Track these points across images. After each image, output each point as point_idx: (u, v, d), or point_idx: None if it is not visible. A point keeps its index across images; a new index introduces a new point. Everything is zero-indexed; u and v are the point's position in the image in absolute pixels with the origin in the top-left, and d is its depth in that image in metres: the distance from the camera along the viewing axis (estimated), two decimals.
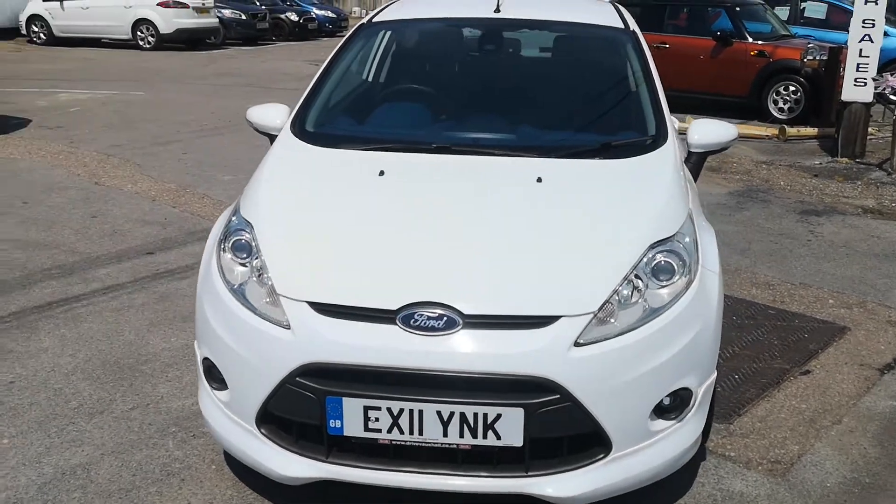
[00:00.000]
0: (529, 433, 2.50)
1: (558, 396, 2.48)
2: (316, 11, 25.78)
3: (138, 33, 19.95)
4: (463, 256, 2.69)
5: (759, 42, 10.66)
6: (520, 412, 2.48)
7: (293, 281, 2.66)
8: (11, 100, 11.86)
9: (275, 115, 3.66)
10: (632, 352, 2.57)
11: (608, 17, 4.05)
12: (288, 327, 2.58)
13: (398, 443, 2.54)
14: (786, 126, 9.68)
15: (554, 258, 2.69)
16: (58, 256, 5.43)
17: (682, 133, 3.60)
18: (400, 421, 2.51)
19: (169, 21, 19.74)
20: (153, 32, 19.81)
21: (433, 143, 3.29)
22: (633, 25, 4.02)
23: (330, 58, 3.93)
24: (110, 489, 2.98)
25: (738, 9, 10.84)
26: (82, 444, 3.27)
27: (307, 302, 2.59)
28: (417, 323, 2.50)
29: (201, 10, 20.36)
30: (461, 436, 2.51)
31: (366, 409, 2.51)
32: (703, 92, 10.89)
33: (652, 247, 2.76)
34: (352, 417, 2.52)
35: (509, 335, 2.50)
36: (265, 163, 3.31)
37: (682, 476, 3.08)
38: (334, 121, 3.68)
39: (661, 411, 2.71)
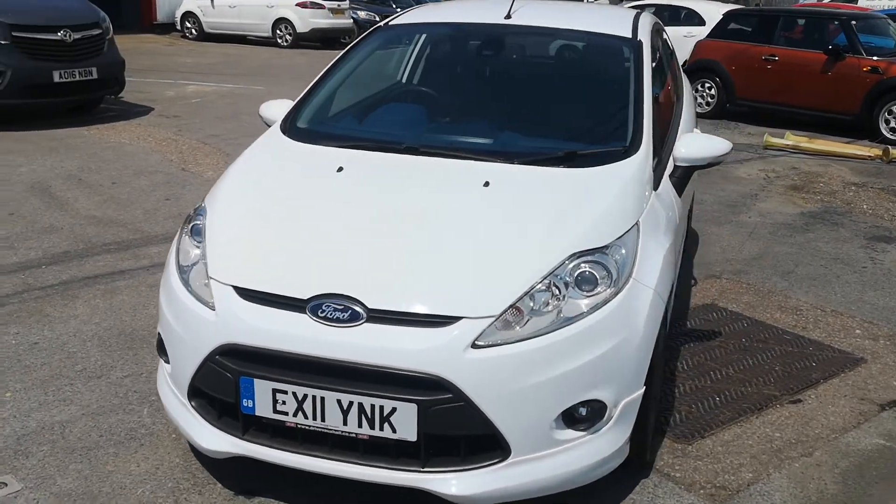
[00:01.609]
0: (423, 429, 2.57)
1: (451, 396, 2.54)
2: (361, 14, 26.09)
3: (277, 32, 20.90)
4: (380, 253, 2.78)
5: (874, 58, 10.07)
6: (413, 408, 2.55)
7: (224, 265, 2.83)
8: (146, 89, 12.70)
9: (280, 110, 3.85)
10: (534, 358, 2.59)
11: (619, 25, 4.02)
12: (213, 308, 2.76)
13: (303, 427, 2.67)
14: (890, 147, 9.11)
15: (468, 260, 2.74)
16: (121, 234, 5.85)
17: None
18: (304, 406, 2.63)
19: (305, 21, 20.58)
20: (291, 31, 20.70)
21: (403, 144, 3.38)
22: (642, 35, 3.96)
23: (339, 56, 4.09)
24: (75, 446, 3.25)
25: (854, 22, 10.28)
26: (70, 404, 3.57)
27: (232, 286, 2.76)
28: (325, 313, 2.62)
29: (336, 12, 21.13)
30: (360, 425, 2.60)
31: (274, 391, 2.65)
32: (810, 108, 10.42)
33: (577, 256, 2.76)
34: (262, 398, 2.67)
35: (409, 332, 2.58)
36: (242, 153, 3.51)
37: (616, 490, 3.06)
38: (323, 118, 3.83)
39: (571, 421, 2.71)
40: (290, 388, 2.63)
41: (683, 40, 12.62)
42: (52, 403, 3.57)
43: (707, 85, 11.40)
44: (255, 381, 2.66)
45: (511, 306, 2.61)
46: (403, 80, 4.56)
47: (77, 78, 9.63)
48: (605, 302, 2.73)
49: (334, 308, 2.62)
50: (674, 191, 3.52)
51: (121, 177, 7.45)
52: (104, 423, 3.42)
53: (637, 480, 3.13)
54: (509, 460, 2.64)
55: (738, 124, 11.15)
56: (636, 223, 2.99)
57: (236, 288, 2.75)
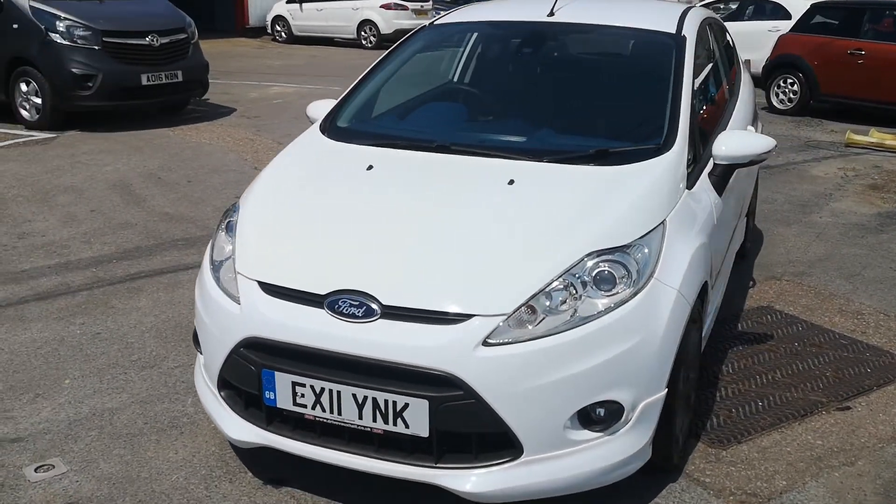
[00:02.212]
0: (435, 425, 2.60)
1: (462, 393, 2.56)
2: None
3: (362, 33, 21.24)
4: (397, 250, 2.82)
5: None
6: (425, 404, 2.59)
7: (250, 261, 2.93)
8: (231, 91, 13.11)
9: (325, 110, 3.95)
10: (547, 357, 2.59)
11: (665, 21, 3.95)
12: (239, 303, 2.86)
13: (321, 420, 2.73)
14: None
15: (483, 258, 2.75)
16: (190, 230, 6.08)
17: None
18: (321, 399, 2.70)
19: (389, 22, 20.85)
20: (375, 32, 21.01)
21: (435, 142, 3.42)
22: (688, 30, 3.89)
23: (383, 56, 4.17)
24: (121, 432, 3.41)
25: None
26: (122, 392, 3.74)
27: (257, 281, 2.85)
28: (341, 309, 2.68)
29: (419, 13, 21.32)
30: (374, 420, 2.66)
31: (293, 384, 2.73)
32: None
33: (596, 255, 2.74)
34: (283, 391, 2.75)
35: (423, 329, 2.61)
36: (281, 152, 3.61)
37: (641, 494, 3.03)
38: (363, 117, 3.90)
39: (587, 422, 2.70)
40: (308, 381, 2.70)
41: (768, 35, 12.25)
42: (105, 391, 3.75)
43: (789, 80, 11.03)
44: (276, 373, 2.74)
45: (524, 305, 2.62)
46: (455, 80, 4.59)
47: (163, 80, 10.03)
48: (624, 302, 2.70)
49: (350, 304, 2.67)
50: (713, 190, 3.45)
51: (196, 175, 7.73)
52: (150, 411, 3.57)
53: (664, 484, 3.09)
54: (522, 459, 2.64)
55: (822, 121, 10.75)
56: (663, 222, 2.95)
57: (260, 283, 2.84)
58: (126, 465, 3.19)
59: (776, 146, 3.53)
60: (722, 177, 3.48)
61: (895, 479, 3.16)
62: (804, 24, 11.26)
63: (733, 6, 14.75)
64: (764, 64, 11.42)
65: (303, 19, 21.97)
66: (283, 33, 22.41)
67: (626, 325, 2.69)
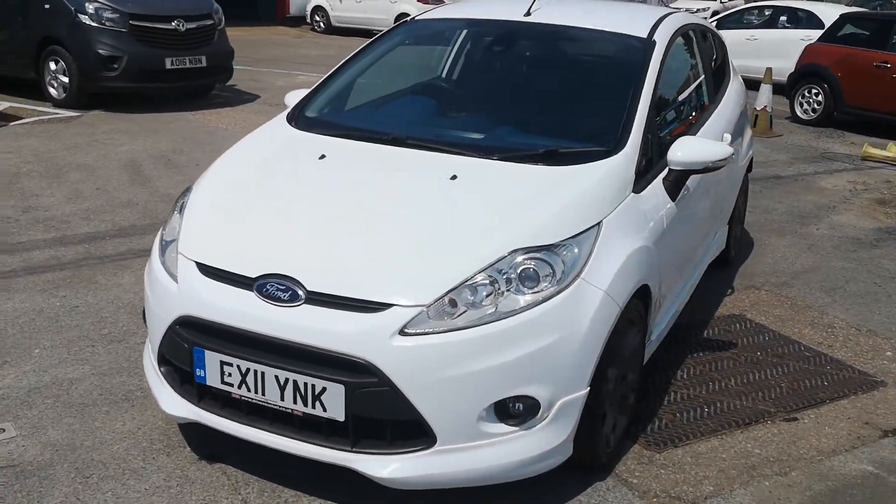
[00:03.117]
0: (351, 410, 2.67)
1: (376, 380, 2.62)
2: None
3: None
4: (327, 238, 2.89)
5: None
6: (341, 389, 2.65)
7: (192, 242, 3.02)
8: (260, 78, 13.28)
9: (297, 98, 4.03)
10: (462, 349, 2.64)
11: (638, 25, 3.96)
12: (177, 281, 2.95)
13: (246, 399, 2.82)
14: None
15: (409, 250, 2.81)
16: None
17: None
18: (247, 379, 2.78)
19: None
20: None
21: (390, 135, 3.47)
22: (660, 36, 3.89)
23: (360, 48, 4.23)
24: (75, 402, 3.53)
25: None
26: (85, 364, 3.86)
27: (195, 261, 2.94)
28: (268, 292, 2.76)
29: None
30: (294, 402, 2.73)
31: (221, 363, 2.81)
32: None
33: (522, 252, 2.78)
34: (212, 369, 2.84)
35: (343, 315, 2.68)
36: (244, 137, 3.70)
37: (565, 491, 3.06)
38: (332, 108, 3.97)
39: (504, 416, 2.74)
40: (235, 361, 2.78)
41: (799, 44, 12.07)
42: (69, 362, 3.88)
43: (813, 91, 10.87)
44: (206, 352, 2.83)
45: (443, 296, 2.67)
46: (443, 75, 4.64)
47: (187, 65, 10.20)
48: (546, 300, 2.74)
49: (277, 288, 2.75)
50: (666, 195, 3.46)
51: (207, 159, 7.79)
52: (107, 384, 3.69)
53: (590, 483, 3.12)
54: (435, 448, 2.70)
55: (844, 133, 10.58)
56: (598, 224, 2.98)
57: (198, 264, 2.93)
58: (72, 434, 3.30)
59: (732, 155, 3.53)
60: (675, 182, 3.49)
61: (826, 491, 3.15)
62: (832, 34, 11.08)
63: (767, 13, 14.55)
64: (790, 73, 11.27)
65: (341, 10, 22.13)
66: (321, 23, 22.59)
67: (546, 322, 2.73)
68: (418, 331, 2.64)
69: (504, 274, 2.75)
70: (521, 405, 2.74)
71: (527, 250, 2.80)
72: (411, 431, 2.70)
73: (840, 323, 4.65)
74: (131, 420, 3.41)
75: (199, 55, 10.29)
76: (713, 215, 4.52)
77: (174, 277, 2.97)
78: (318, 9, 22.70)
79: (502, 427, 2.75)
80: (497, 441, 2.75)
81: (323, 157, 3.36)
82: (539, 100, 3.85)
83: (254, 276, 2.80)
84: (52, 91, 10.04)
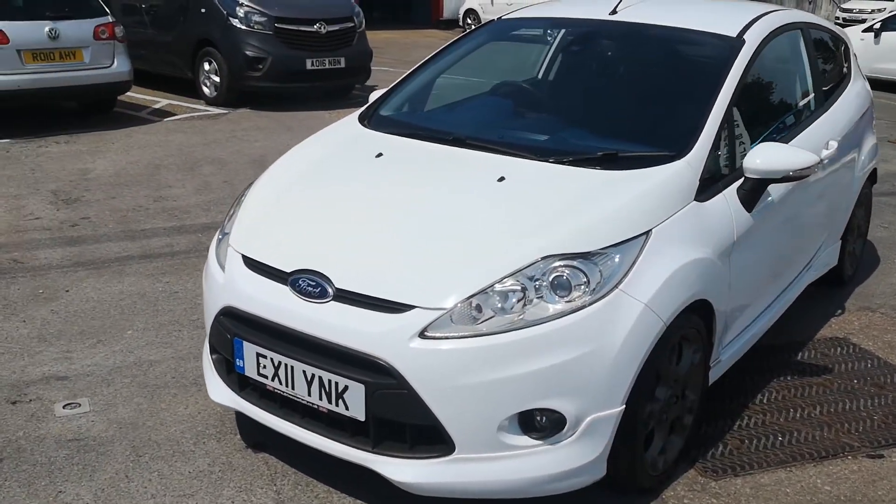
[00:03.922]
0: (371, 411, 2.66)
1: (395, 381, 2.61)
2: None
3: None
4: (363, 236, 2.90)
5: None
6: (361, 388, 2.65)
7: (241, 234, 3.12)
8: (382, 78, 13.56)
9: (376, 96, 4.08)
10: (484, 355, 2.58)
11: (728, 23, 3.73)
12: (224, 272, 3.05)
13: (279, 392, 2.87)
14: None
15: (440, 252, 2.77)
16: None
17: None
18: (279, 372, 2.84)
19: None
20: None
21: (452, 135, 3.44)
22: (752, 35, 3.64)
23: (444, 46, 4.24)
24: (149, 383, 3.72)
25: None
26: (168, 347, 4.07)
27: (241, 254, 3.02)
28: (300, 287, 2.80)
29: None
30: (320, 398, 2.76)
31: (258, 355, 2.88)
32: None
33: (557, 258, 2.68)
34: (249, 360, 2.91)
35: (367, 315, 2.68)
36: (314, 134, 3.77)
37: None
38: (406, 107, 3.97)
39: (528, 428, 2.66)
40: (269, 353, 2.84)
41: None
42: (155, 344, 4.10)
43: None
44: (245, 343, 2.91)
45: (466, 300, 2.61)
46: (538, 76, 4.57)
47: (327, 66, 10.58)
48: (577, 310, 2.63)
49: (308, 283, 2.78)
50: (739, 205, 3.24)
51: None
52: (182, 368, 3.86)
53: None
54: (454, 455, 2.65)
55: None
56: (647, 232, 2.83)
57: (244, 257, 3.01)
58: (139, 413, 3.48)
59: (818, 163, 3.26)
60: (752, 192, 3.26)
61: None
62: None
63: None
64: None
65: (492, 13, 22.22)
66: (472, 26, 22.79)
67: (576, 333, 2.62)
68: (439, 334, 2.60)
69: (535, 281, 2.66)
70: (545, 418, 2.64)
71: (561, 257, 2.69)
72: (430, 437, 2.66)
73: None
74: (194, 404, 3.55)
75: (339, 56, 10.63)
76: (815, 229, 4.19)
77: (223, 268, 3.07)
78: (469, 11, 22.95)
79: (525, 440, 2.66)
80: (519, 454, 2.66)
81: (380, 155, 3.37)
82: (612, 101, 3.71)
83: (288, 270, 2.84)
84: (205, 90, 10.67)
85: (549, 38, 4.33)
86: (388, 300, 2.66)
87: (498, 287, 2.63)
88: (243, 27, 10.25)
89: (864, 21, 16.49)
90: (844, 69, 4.79)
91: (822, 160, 3.91)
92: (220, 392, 3.10)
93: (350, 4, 11.17)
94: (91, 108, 9.77)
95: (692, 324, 3.01)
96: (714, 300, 3.09)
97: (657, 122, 3.46)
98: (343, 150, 3.56)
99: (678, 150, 3.15)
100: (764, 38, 3.71)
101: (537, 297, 2.64)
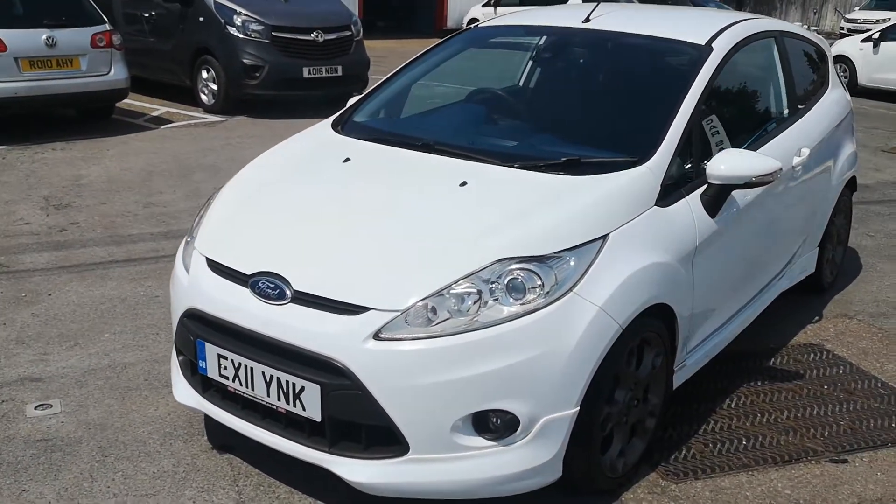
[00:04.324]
0: (326, 411, 2.69)
1: (349, 382, 2.63)
2: None
3: None
4: (322, 239, 2.93)
5: None
6: (317, 389, 2.68)
7: (206, 237, 3.16)
8: None
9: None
10: (437, 357, 2.61)
11: (698, 31, 3.75)
12: (189, 274, 3.08)
13: (240, 393, 2.90)
14: None
15: (396, 254, 2.80)
16: None
17: None
18: (240, 373, 2.87)
19: None
20: None
21: (421, 141, 3.47)
22: (721, 43, 3.67)
23: (421, 53, 4.27)
24: (122, 385, 3.76)
25: None
26: (143, 350, 4.11)
27: (205, 256, 3.06)
28: (260, 289, 2.83)
29: None
30: (278, 399, 2.79)
31: (219, 356, 2.91)
32: None
33: (514, 261, 2.70)
34: (211, 361, 2.94)
35: (323, 316, 2.71)
36: (286, 140, 3.81)
37: None
38: (377, 112, 4.01)
39: (482, 429, 2.68)
40: (230, 355, 2.87)
41: None
42: (131, 347, 4.13)
43: None
44: (207, 344, 2.94)
45: (420, 302, 2.64)
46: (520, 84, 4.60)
47: (323, 74, 10.63)
48: (531, 312, 2.65)
49: (268, 285, 2.81)
50: (702, 210, 3.26)
51: None
52: (155, 370, 3.89)
53: None
54: (408, 456, 2.67)
55: None
56: (604, 236, 2.85)
57: (207, 259, 3.05)
58: (108, 415, 3.51)
59: (779, 170, 3.27)
60: (715, 197, 3.27)
61: None
62: None
63: None
64: None
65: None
66: None
67: (529, 335, 2.64)
68: (394, 336, 2.62)
69: (490, 283, 2.69)
70: (499, 419, 2.67)
71: (516, 260, 2.72)
72: (385, 437, 2.68)
73: None
74: (164, 406, 3.58)
75: (336, 65, 10.68)
76: (789, 236, 4.20)
77: (188, 271, 3.10)
78: (473, 21, 23.00)
79: (479, 441, 2.68)
80: (473, 455, 2.68)
81: (347, 160, 3.41)
82: (581, 108, 3.74)
83: (249, 272, 2.88)
84: (203, 97, 10.74)
85: (524, 46, 4.35)
86: (344, 302, 2.69)
87: (453, 289, 2.66)
88: (240, 35, 10.32)
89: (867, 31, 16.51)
90: (822, 78, 4.81)
91: (794, 167, 3.94)
92: (184, 393, 3.13)
93: (348, 13, 11.24)
94: (89, 116, 9.85)
95: (652, 328, 3.03)
96: (675, 304, 3.11)
97: (622, 128, 3.49)
98: (312, 155, 3.60)
99: (640, 155, 3.17)
100: (733, 46, 3.74)
101: (492, 300, 2.67)
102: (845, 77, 14.41)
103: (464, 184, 3.09)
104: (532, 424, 2.68)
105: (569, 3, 19.88)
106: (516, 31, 4.38)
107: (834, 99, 4.76)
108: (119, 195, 6.90)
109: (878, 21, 19.82)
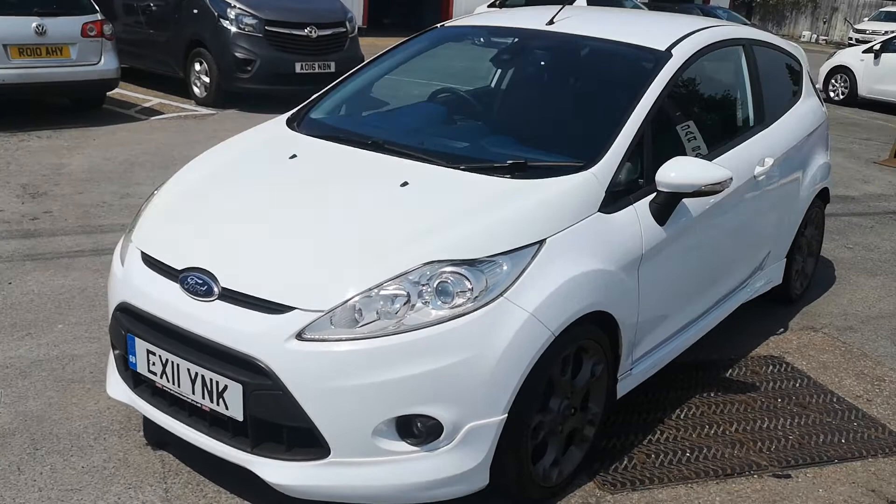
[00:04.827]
0: (248, 411, 2.65)
1: (271, 382, 2.59)
2: None
3: None
4: (255, 236, 2.89)
5: None
6: (239, 388, 2.64)
7: (142, 230, 3.12)
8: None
9: None
10: (359, 359, 2.56)
11: (660, 36, 3.70)
12: (123, 268, 3.05)
13: (168, 389, 2.86)
14: None
15: (325, 254, 2.76)
16: None
17: None
18: (167, 370, 2.83)
19: None
20: None
21: (371, 140, 3.42)
22: (682, 49, 3.61)
23: (386, 50, 4.23)
24: (65, 377, 3.72)
25: None
26: (94, 343, 4.07)
27: (140, 250, 3.02)
28: (189, 285, 2.79)
29: None
30: (203, 397, 2.75)
31: (148, 352, 2.87)
32: None
33: (444, 264, 2.66)
34: (141, 357, 2.91)
35: (248, 315, 2.66)
36: (238, 135, 3.77)
37: None
38: (335, 110, 3.96)
39: (406, 434, 2.64)
40: (158, 350, 2.84)
41: None
42: (82, 339, 4.10)
43: None
44: (137, 339, 2.90)
45: (345, 303, 2.59)
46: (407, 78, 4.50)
47: (316, 70, 10.59)
48: (458, 316, 2.60)
49: (196, 282, 2.77)
50: (650, 218, 3.20)
51: None
52: (102, 363, 3.85)
53: None
54: (328, 459, 2.63)
55: None
56: (540, 241, 2.80)
57: (142, 253, 3.01)
58: (47, 406, 3.48)
59: (728, 179, 3.21)
60: (664, 205, 3.22)
61: None
62: None
63: None
64: None
65: None
66: None
67: (456, 340, 2.59)
68: (317, 336, 2.58)
69: (420, 285, 2.64)
70: (422, 425, 2.62)
71: (447, 263, 2.67)
72: (307, 439, 2.64)
73: (893, 377, 4.13)
74: (105, 400, 3.54)
75: (329, 61, 10.64)
76: (751, 246, 4.14)
77: (123, 264, 3.07)
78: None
79: (402, 445, 2.64)
80: (396, 459, 2.64)
81: (294, 156, 3.36)
82: (536, 111, 3.69)
83: (179, 268, 2.84)
84: (196, 90, 10.72)
85: (485, 45, 4.30)
86: (270, 301, 2.65)
87: (381, 290, 2.61)
88: (233, 29, 10.29)
89: None
90: (794, 87, 4.74)
91: (755, 176, 3.89)
92: (117, 388, 3.10)
93: (343, 9, 11.20)
94: (81, 105, 9.83)
95: (590, 335, 2.98)
96: (617, 313, 3.05)
97: (572, 132, 3.44)
98: (260, 151, 3.56)
99: (588, 160, 3.12)
100: (695, 53, 3.68)
101: (421, 303, 2.62)
102: (846, 88, 14.32)
103: (405, 184, 3.04)
104: (456, 431, 2.63)
105: (575, 3, 19.81)
106: (481, 32, 4.33)
107: (806, 109, 4.69)
108: (97, 185, 6.87)
109: (886, 32, 19.73)
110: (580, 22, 3.95)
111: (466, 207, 2.90)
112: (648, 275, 3.19)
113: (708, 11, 26.56)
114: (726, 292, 4.03)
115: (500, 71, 4.28)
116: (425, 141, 3.47)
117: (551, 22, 3.92)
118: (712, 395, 3.83)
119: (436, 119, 3.89)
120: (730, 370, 4.09)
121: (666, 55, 3.57)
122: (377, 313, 2.61)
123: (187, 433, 2.84)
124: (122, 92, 10.37)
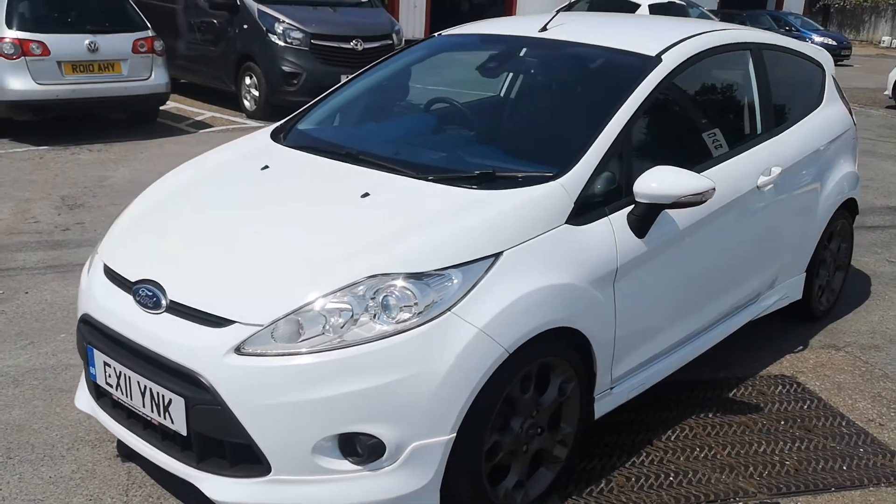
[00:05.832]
0: (191, 426, 2.61)
1: (210, 397, 2.55)
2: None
3: None
4: (206, 248, 2.86)
5: None
6: (182, 402, 2.61)
7: (107, 242, 3.14)
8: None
9: None
10: (298, 374, 2.50)
11: (652, 42, 3.53)
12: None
13: (123, 402, 2.85)
14: None
15: (269, 267, 2.71)
16: None
17: None
18: (121, 382, 2.82)
19: None
20: None
21: (344, 150, 3.37)
22: (671, 55, 3.44)
23: (380, 60, 4.18)
24: (55, 387, 3.77)
25: None
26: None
27: (103, 262, 3.03)
28: (139, 297, 2.77)
29: None
30: (152, 410, 2.72)
31: (104, 364, 2.87)
32: None
33: (390, 276, 2.58)
34: (99, 368, 2.91)
35: (191, 328, 2.63)
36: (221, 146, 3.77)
37: None
38: (324, 119, 3.92)
39: (349, 452, 2.56)
40: (112, 363, 2.83)
41: None
42: (71, 350, 4.13)
43: None
44: (95, 351, 2.90)
45: (285, 317, 2.54)
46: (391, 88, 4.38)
47: None
48: (401, 332, 2.52)
49: (147, 293, 2.75)
50: (628, 230, 3.06)
51: None
52: (70, 375, 3.87)
53: None
54: (270, 476, 2.57)
55: None
56: (497, 254, 2.70)
57: (104, 265, 3.01)
58: (30, 415, 3.52)
59: (710, 190, 3.04)
60: (643, 217, 3.06)
61: None
62: None
63: None
64: None
65: None
66: None
67: (399, 356, 2.51)
68: (256, 351, 2.53)
69: (364, 299, 2.56)
70: (364, 443, 2.54)
71: (393, 276, 2.59)
72: (249, 456, 2.59)
73: None
74: (67, 408, 3.55)
75: None
76: (756, 259, 3.92)
77: (88, 276, 3.08)
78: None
79: (344, 464, 2.56)
80: (338, 478, 2.56)
81: (266, 167, 3.33)
82: (520, 120, 3.60)
83: (133, 280, 2.83)
84: (246, 103, 10.91)
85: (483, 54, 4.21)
86: (212, 314, 2.61)
87: (323, 304, 2.55)
88: (281, 43, 10.43)
89: None
90: (815, 93, 4.49)
91: (759, 186, 3.70)
92: (83, 400, 3.11)
93: (390, 22, 11.25)
94: (135, 119, 10.10)
95: (556, 352, 2.85)
96: (588, 329, 2.92)
97: (550, 141, 3.31)
98: (234, 162, 3.54)
99: (558, 170, 3.00)
100: (688, 59, 3.51)
101: (367, 317, 2.54)
102: None
103: (366, 195, 2.97)
104: (400, 450, 2.54)
105: (637, 11, 19.49)
106: (475, 40, 4.23)
107: (828, 116, 4.44)
108: (133, 197, 6.97)
109: None
110: (574, 28, 3.83)
111: (424, 219, 2.81)
112: (627, 289, 3.05)
113: (779, 18, 25.89)
114: (730, 307, 3.83)
115: (494, 80, 4.18)
116: (401, 151, 3.40)
117: (544, 29, 3.80)
118: (710, 415, 3.64)
119: (421, 129, 3.81)
120: (734, 390, 3.88)
121: (655, 61, 3.41)
122: (323, 328, 2.54)
123: (142, 447, 2.82)
124: (179, 106, 10.60)
